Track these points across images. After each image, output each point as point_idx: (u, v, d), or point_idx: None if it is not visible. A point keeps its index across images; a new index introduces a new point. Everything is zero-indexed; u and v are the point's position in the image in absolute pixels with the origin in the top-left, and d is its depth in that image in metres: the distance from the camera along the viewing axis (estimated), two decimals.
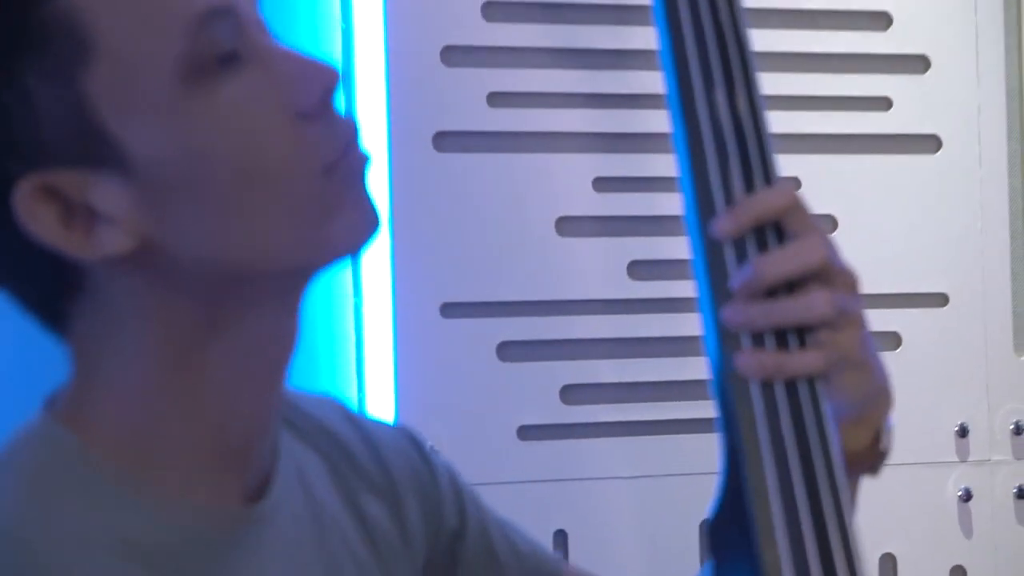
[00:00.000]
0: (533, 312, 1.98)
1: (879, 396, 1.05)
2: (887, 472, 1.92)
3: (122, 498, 0.96)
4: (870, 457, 1.04)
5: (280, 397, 1.03)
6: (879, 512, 1.99)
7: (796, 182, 2.04)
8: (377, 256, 1.96)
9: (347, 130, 0.96)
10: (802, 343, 1.00)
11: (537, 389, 1.97)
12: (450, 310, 1.93)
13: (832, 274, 0.99)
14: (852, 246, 1.81)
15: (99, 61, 0.90)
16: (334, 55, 1.98)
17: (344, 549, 1.11)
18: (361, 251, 0.96)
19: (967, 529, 2.15)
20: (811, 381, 1.02)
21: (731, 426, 1.04)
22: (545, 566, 1.28)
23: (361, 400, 2.00)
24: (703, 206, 1.04)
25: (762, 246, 1.00)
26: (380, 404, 1.97)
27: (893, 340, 2.08)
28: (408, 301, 1.93)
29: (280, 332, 1.00)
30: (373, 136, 1.90)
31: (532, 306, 1.98)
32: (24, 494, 0.96)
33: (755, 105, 1.06)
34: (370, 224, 0.94)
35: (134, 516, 0.96)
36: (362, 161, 0.96)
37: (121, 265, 0.92)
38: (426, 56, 1.93)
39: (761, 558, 1.00)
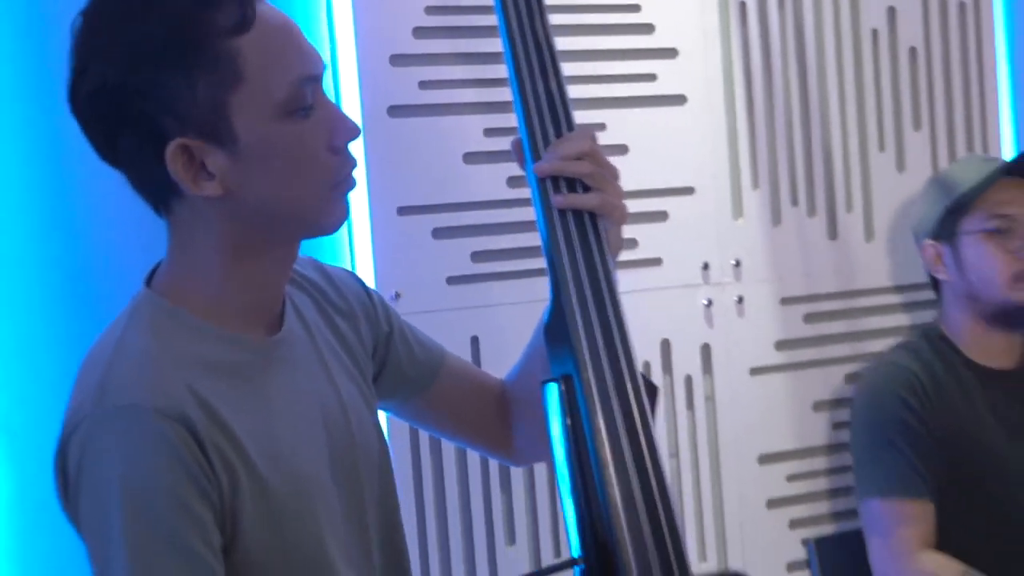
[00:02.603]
0: (454, 209, 2.24)
1: (619, 246, 1.40)
2: (666, 290, 2.36)
3: (201, 334, 1.21)
4: None
5: (288, 275, 1.30)
6: (660, 314, 2.42)
7: (596, 127, 2.31)
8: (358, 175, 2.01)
9: (352, 164, 1.24)
10: (586, 190, 1.33)
11: (457, 255, 2.24)
12: (403, 210, 2.20)
13: (599, 159, 1.35)
14: (637, 160, 2.30)
15: (243, 85, 1.15)
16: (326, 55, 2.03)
17: (332, 355, 1.35)
18: (337, 229, 1.27)
19: (709, 322, 2.47)
20: (593, 216, 1.34)
21: (550, 254, 1.33)
22: (436, 349, 1.53)
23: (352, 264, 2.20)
24: (535, 144, 1.37)
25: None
26: (364, 271, 2.19)
27: (663, 215, 2.42)
28: (376, 204, 2.18)
29: (292, 250, 1.28)
30: (353, 108, 2.14)
31: (453, 205, 2.24)
32: (146, 332, 1.19)
33: (561, 84, 1.39)
34: (345, 217, 1.26)
35: (209, 345, 1.21)
36: (353, 184, 1.25)
37: (211, 199, 1.18)
38: (381, 60, 2.17)
39: (572, 345, 1.29)
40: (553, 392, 1.27)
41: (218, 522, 1.14)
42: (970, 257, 2.29)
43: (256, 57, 1.15)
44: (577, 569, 1.24)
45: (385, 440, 1.41)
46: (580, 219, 1.34)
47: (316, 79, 1.20)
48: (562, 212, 1.33)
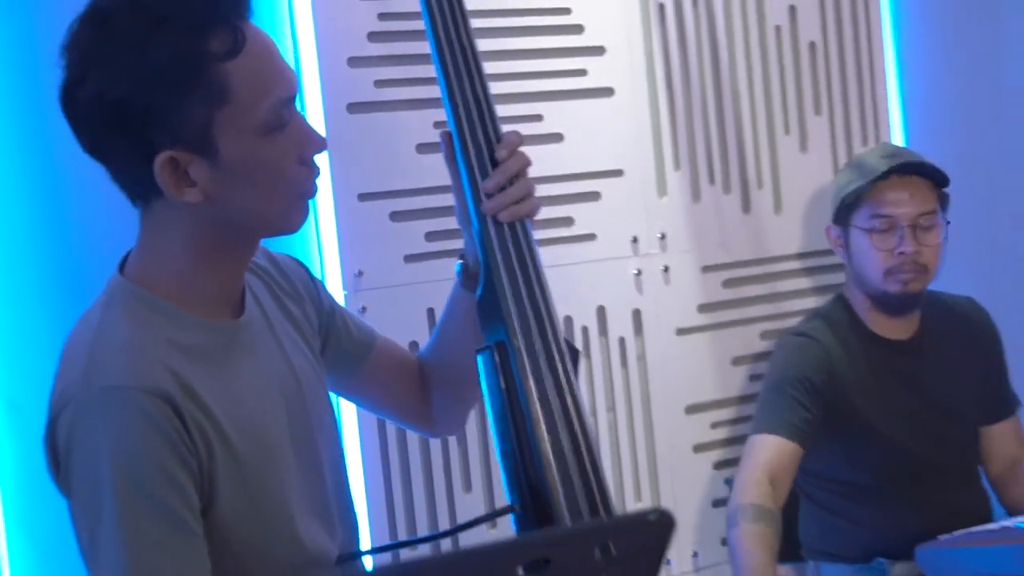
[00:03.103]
0: (409, 195, 2.22)
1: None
2: (600, 262, 2.37)
3: (173, 319, 1.20)
4: None
5: (248, 266, 1.29)
6: (595, 283, 2.42)
7: (534, 118, 2.35)
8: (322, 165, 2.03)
9: (317, 174, 1.25)
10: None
11: (413, 236, 2.24)
12: (363, 196, 2.19)
13: (526, 172, 1.38)
14: (571, 147, 2.33)
15: (229, 105, 1.15)
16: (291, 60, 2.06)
17: (285, 334, 1.34)
18: (298, 230, 1.27)
19: (639, 290, 2.47)
20: (523, 221, 1.36)
21: (481, 240, 1.35)
22: (368, 329, 1.53)
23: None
24: (462, 137, 1.37)
25: (493, 164, 1.36)
26: (329, 252, 2.17)
27: (596, 195, 2.42)
28: (339, 191, 2.16)
29: (255, 246, 1.29)
30: (315, 105, 2.13)
31: (408, 191, 2.22)
32: (124, 318, 1.18)
33: (484, 84, 1.39)
34: (305, 219, 1.26)
35: (181, 329, 1.20)
36: (316, 191, 1.26)
37: (189, 205, 1.18)
38: (340, 62, 2.16)
39: (504, 317, 1.31)
40: (487, 358, 1.28)
41: (197, 487, 1.15)
42: (855, 247, 2.30)
43: (243, 80, 1.15)
44: (513, 515, 1.26)
45: (334, 409, 1.42)
46: (512, 225, 1.37)
47: (292, 99, 1.21)
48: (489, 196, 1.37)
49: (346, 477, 1.42)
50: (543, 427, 1.25)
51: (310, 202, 1.27)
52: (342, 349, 1.48)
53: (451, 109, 1.38)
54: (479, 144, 1.37)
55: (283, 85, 1.19)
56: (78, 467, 1.13)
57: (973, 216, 2.60)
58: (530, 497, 1.24)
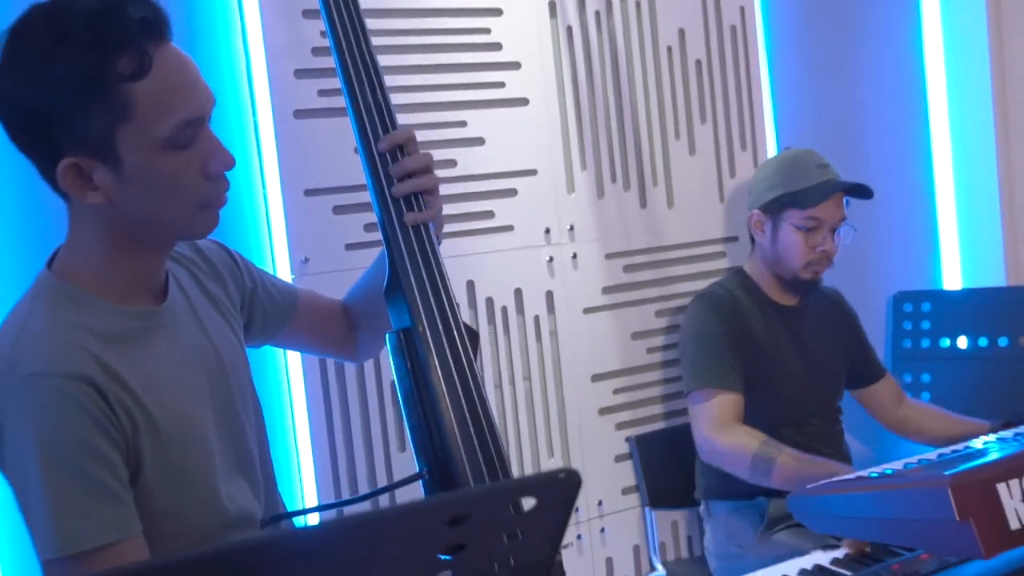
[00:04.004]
0: (349, 191, 2.17)
1: (441, 224, 1.37)
2: (517, 250, 2.33)
3: (94, 308, 1.15)
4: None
5: (165, 259, 1.25)
6: (512, 269, 2.40)
7: (458, 124, 2.31)
8: (269, 159, 2.13)
9: (225, 187, 1.18)
10: (420, 207, 1.31)
11: (353, 227, 2.19)
12: (309, 192, 2.16)
13: (431, 170, 1.32)
14: (491, 150, 2.29)
15: (132, 121, 1.09)
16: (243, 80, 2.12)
17: (207, 315, 1.31)
18: (206, 236, 1.21)
19: (551, 274, 2.46)
20: (426, 224, 1.33)
21: (385, 232, 1.31)
22: (290, 289, 1.50)
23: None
24: (365, 142, 1.32)
25: (395, 159, 1.31)
26: (279, 241, 2.13)
27: (513, 192, 2.40)
28: (287, 188, 2.14)
29: (169, 244, 1.24)
30: (266, 112, 2.11)
31: (348, 187, 2.17)
32: (47, 309, 1.15)
33: (384, 92, 1.34)
34: (214, 226, 1.19)
35: (101, 317, 1.15)
36: (224, 201, 1.19)
37: (96, 206, 1.13)
38: (288, 74, 2.13)
39: (408, 304, 1.27)
40: (394, 341, 1.25)
41: (124, 458, 1.11)
42: (783, 238, 2.33)
43: (146, 101, 1.09)
44: (422, 481, 1.24)
45: (252, 380, 1.38)
46: (409, 206, 1.32)
47: (200, 120, 1.14)
48: (395, 200, 1.31)
49: (267, 442, 1.37)
50: (447, 403, 1.22)
51: (221, 211, 1.21)
52: (267, 314, 1.45)
53: (354, 116, 1.33)
54: (378, 137, 1.33)
55: (190, 106, 1.12)
56: (9, 448, 1.09)
57: None
58: (436, 465, 1.21)
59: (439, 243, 1.34)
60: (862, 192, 2.33)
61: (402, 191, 1.30)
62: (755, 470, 2.08)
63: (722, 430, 2.19)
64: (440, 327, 1.26)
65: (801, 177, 2.31)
